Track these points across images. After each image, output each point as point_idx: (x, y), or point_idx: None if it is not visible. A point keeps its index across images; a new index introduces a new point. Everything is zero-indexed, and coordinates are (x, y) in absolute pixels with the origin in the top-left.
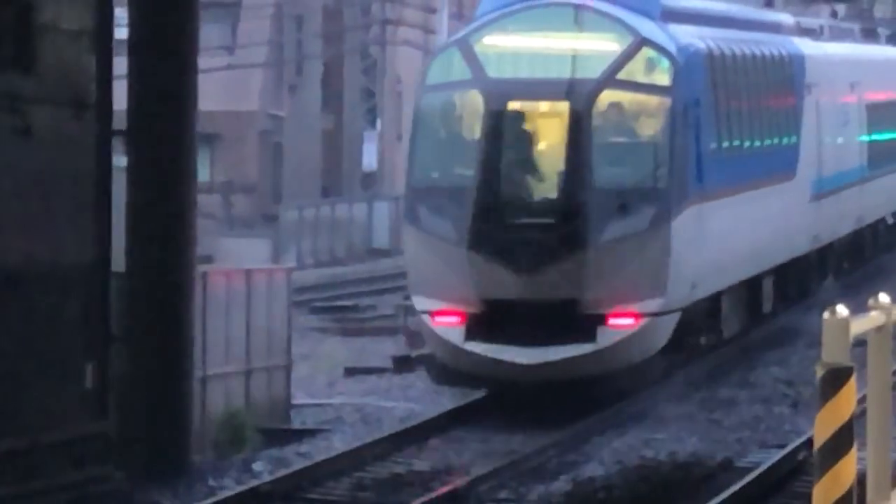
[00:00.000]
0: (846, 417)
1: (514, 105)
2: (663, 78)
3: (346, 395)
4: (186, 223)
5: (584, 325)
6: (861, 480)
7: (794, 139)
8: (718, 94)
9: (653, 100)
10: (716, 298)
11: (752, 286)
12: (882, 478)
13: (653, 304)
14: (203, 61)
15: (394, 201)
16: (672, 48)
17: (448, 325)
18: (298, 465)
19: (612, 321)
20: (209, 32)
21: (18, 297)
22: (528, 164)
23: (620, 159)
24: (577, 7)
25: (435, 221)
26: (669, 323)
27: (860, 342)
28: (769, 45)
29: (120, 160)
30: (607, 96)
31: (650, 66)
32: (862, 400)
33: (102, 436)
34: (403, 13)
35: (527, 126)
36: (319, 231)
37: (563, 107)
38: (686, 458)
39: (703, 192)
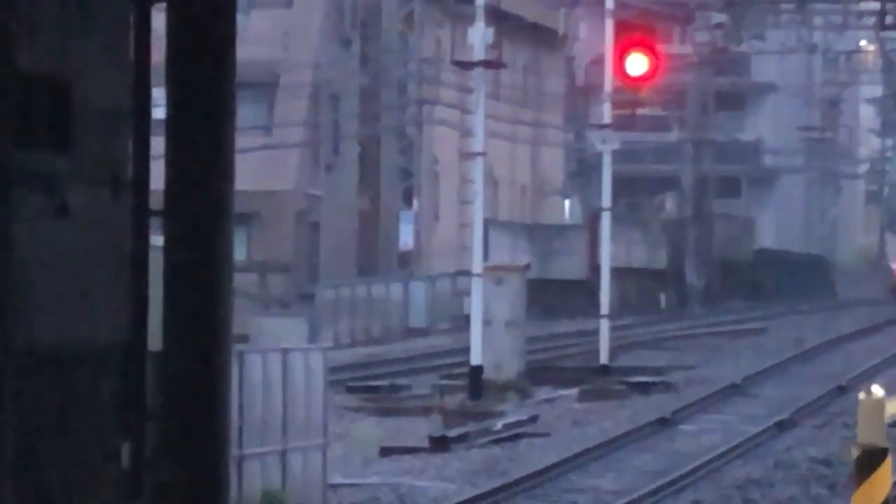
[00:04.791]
0: (882, 499)
1: None
2: None
3: (382, 474)
4: (223, 302)
5: None
6: None
7: None
8: None
9: None
10: None
11: None
12: None
13: None
14: (240, 141)
15: (430, 281)
16: None
17: None
18: None
19: None
20: (246, 112)
21: (54, 376)
22: None
23: None
24: None
25: None
26: None
27: None
28: None
29: (157, 239)
30: None
31: None
32: None
33: None
34: (440, 93)
35: None
36: (356, 310)
37: None
38: None
39: None
